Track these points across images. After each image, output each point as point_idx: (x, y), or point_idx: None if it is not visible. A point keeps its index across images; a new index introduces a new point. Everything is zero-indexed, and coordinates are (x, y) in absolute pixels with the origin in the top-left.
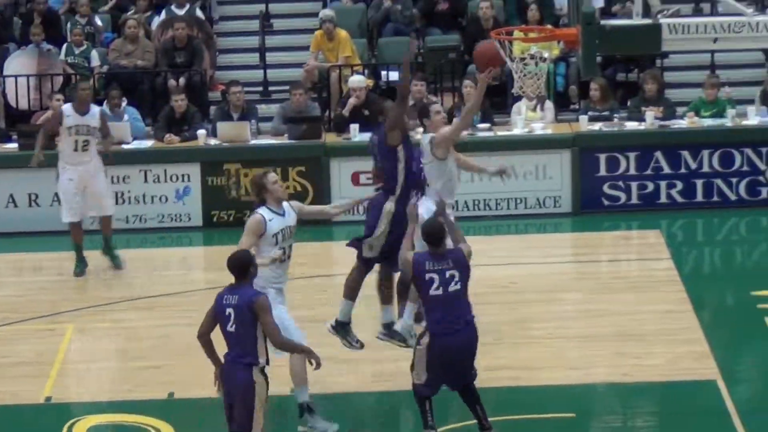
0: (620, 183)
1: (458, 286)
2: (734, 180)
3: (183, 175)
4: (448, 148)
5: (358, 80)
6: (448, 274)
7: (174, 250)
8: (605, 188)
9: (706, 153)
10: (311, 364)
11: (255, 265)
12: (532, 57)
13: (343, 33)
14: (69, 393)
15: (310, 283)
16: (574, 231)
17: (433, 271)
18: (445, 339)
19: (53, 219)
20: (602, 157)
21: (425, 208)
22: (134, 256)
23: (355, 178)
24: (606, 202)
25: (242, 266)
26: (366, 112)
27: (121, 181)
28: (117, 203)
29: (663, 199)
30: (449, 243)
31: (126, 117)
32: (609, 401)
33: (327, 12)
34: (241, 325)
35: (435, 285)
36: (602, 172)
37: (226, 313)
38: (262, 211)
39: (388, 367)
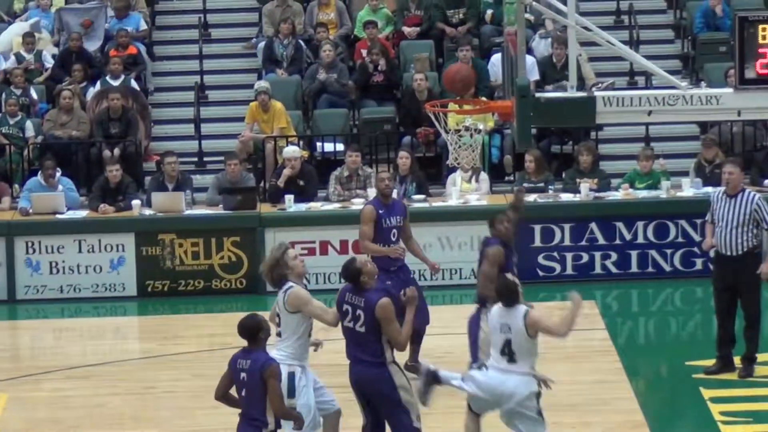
0: (555, 254)
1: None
2: (669, 251)
3: (117, 245)
4: None
5: (292, 151)
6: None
7: (108, 320)
8: (540, 259)
9: (641, 224)
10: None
11: (265, 329)
12: (467, 129)
13: (278, 105)
14: None
15: None
16: None
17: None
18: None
19: None
20: (537, 228)
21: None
22: (69, 326)
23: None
24: (541, 273)
25: (252, 331)
26: (301, 183)
27: (56, 251)
28: (51, 273)
29: (598, 269)
30: None
31: (60, 187)
32: None
33: (262, 84)
34: (252, 389)
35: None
36: (537, 242)
37: (241, 378)
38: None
39: None
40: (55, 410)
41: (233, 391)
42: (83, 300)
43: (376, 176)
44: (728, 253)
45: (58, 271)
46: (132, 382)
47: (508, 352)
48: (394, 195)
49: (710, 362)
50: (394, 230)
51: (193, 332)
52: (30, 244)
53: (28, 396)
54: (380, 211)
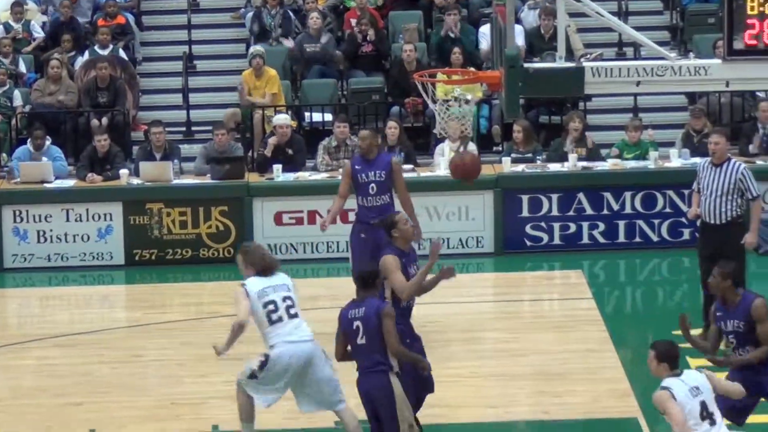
0: (543, 224)
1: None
2: (656, 221)
3: (105, 214)
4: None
5: (282, 118)
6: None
7: (96, 289)
8: (528, 229)
9: (628, 194)
10: (423, 370)
11: (381, 276)
12: (456, 99)
13: (271, 71)
14: None
15: None
16: (496, 271)
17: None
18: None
19: None
20: (525, 198)
21: None
22: (56, 294)
23: (278, 218)
24: (528, 243)
25: (369, 277)
26: (290, 151)
27: (43, 220)
28: (39, 241)
29: (585, 239)
30: None
31: (45, 158)
32: None
33: (258, 48)
34: (372, 334)
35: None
36: (525, 213)
37: (354, 327)
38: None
39: None
40: (41, 378)
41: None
42: (71, 269)
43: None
44: (713, 222)
45: (45, 239)
46: (119, 351)
47: None
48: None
49: (697, 332)
50: (373, 185)
51: (180, 301)
52: (18, 213)
53: (15, 364)
54: (356, 167)
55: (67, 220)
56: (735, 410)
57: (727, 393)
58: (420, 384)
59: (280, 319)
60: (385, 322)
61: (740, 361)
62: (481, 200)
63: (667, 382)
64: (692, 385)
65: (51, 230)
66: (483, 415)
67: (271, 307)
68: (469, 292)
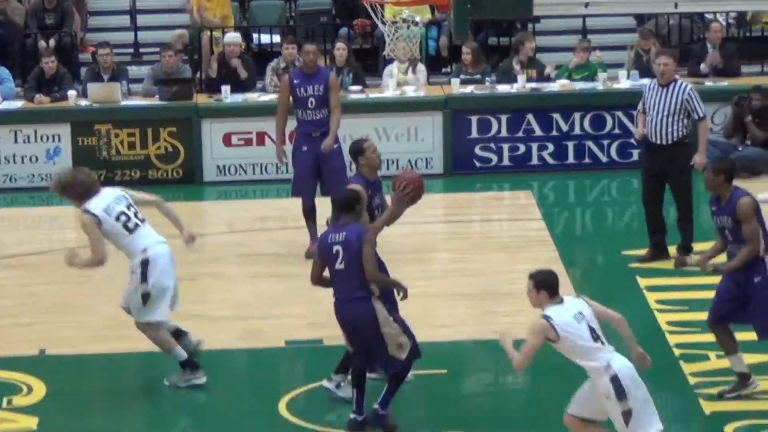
0: (492, 145)
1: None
2: (605, 142)
3: (53, 136)
4: None
5: (233, 37)
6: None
7: (44, 210)
8: (477, 150)
9: (577, 116)
10: (399, 294)
11: (362, 201)
12: (405, 21)
13: None
14: None
15: None
16: (446, 192)
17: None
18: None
19: None
20: (474, 119)
21: None
22: (4, 215)
23: (226, 140)
24: (478, 164)
25: (351, 202)
26: (242, 76)
27: None
28: None
29: (534, 161)
30: None
31: None
32: (479, 358)
33: None
34: (353, 259)
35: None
36: (474, 134)
37: (334, 252)
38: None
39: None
40: None
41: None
42: (19, 190)
43: None
44: (658, 142)
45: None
46: (68, 271)
47: None
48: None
49: (643, 251)
50: (312, 99)
51: None
52: None
53: None
54: (295, 81)
55: (16, 141)
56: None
57: (607, 318)
58: None
59: (136, 225)
60: (365, 248)
61: (728, 268)
62: (430, 121)
63: (550, 310)
64: (575, 311)
65: None
66: (434, 335)
67: (123, 218)
68: (419, 213)
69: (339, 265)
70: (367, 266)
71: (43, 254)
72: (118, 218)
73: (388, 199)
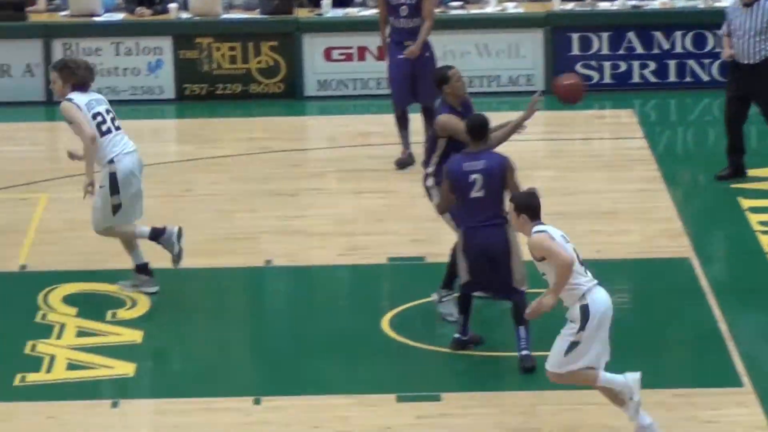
0: (593, 62)
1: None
2: (707, 61)
3: (155, 48)
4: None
5: None
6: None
7: (146, 123)
8: (578, 67)
9: (678, 34)
10: None
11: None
12: None
13: None
14: (44, 261)
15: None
16: (547, 110)
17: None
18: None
19: (25, 89)
20: (575, 36)
21: None
22: None
23: (327, 54)
24: None
25: (484, 128)
26: None
27: (93, 53)
28: None
29: (636, 79)
30: None
31: None
32: None
33: None
34: (493, 186)
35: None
36: (575, 51)
37: (470, 180)
38: None
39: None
40: None
41: None
42: (121, 102)
43: None
44: (745, 62)
45: (96, 73)
46: (171, 185)
47: None
48: None
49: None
50: (404, 6)
51: (231, 136)
52: (67, 46)
53: (68, 197)
54: None
55: (117, 53)
56: None
57: None
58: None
59: (109, 131)
60: (510, 175)
61: None
62: (531, 38)
63: (540, 227)
64: (562, 233)
65: (101, 64)
66: None
67: (99, 119)
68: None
69: (476, 193)
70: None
71: (146, 167)
72: (94, 117)
73: None
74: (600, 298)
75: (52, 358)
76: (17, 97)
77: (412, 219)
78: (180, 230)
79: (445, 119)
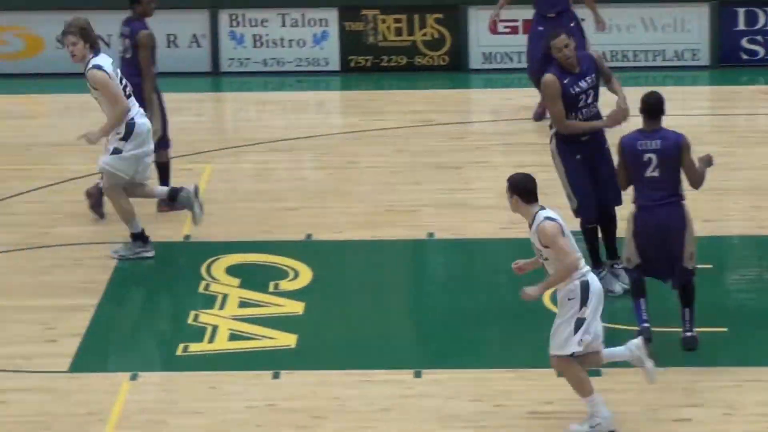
0: (759, 38)
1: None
2: None
3: (321, 20)
4: None
5: None
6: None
7: (311, 94)
8: (744, 42)
9: None
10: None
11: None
12: None
13: None
14: (207, 232)
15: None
16: (711, 84)
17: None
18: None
19: (191, 60)
20: (741, 11)
21: None
22: (272, 99)
23: (492, 27)
24: (744, 56)
25: (660, 107)
26: None
27: (259, 24)
28: (255, 46)
29: None
30: None
31: None
32: (745, 253)
33: None
34: (669, 165)
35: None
36: (741, 26)
37: (645, 159)
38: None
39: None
40: (258, 182)
41: None
42: (286, 74)
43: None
44: None
45: (261, 44)
46: (335, 157)
47: None
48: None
49: None
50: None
51: (395, 108)
52: (234, 17)
53: (232, 167)
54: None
55: (283, 24)
56: None
57: None
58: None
59: (129, 95)
60: (686, 153)
61: None
62: (697, 12)
63: (546, 212)
64: (560, 218)
65: (267, 35)
66: (699, 229)
67: (123, 83)
68: (685, 105)
69: (651, 173)
70: (691, 176)
71: (310, 139)
72: (120, 81)
73: None
74: (595, 280)
75: (215, 328)
76: (183, 68)
77: None
78: (196, 188)
79: (544, 80)
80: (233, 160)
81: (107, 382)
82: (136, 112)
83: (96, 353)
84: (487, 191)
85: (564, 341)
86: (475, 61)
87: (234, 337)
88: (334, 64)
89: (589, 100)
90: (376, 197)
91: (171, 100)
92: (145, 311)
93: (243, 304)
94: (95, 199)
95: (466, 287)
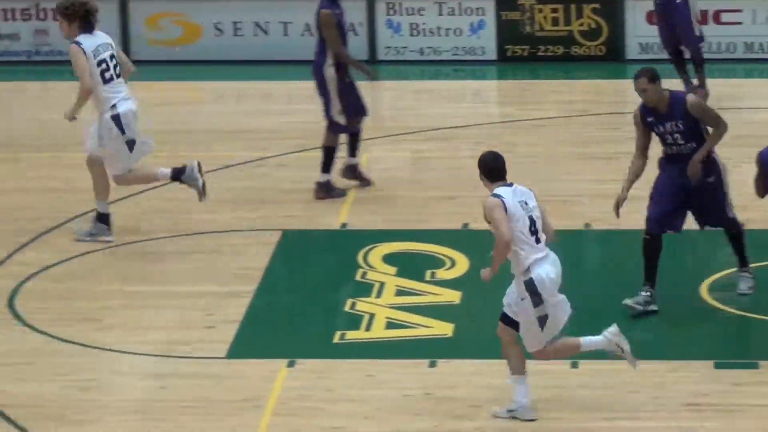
0: None
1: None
2: None
3: (478, 9)
4: None
5: None
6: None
7: (468, 83)
8: None
9: None
10: None
11: None
12: None
13: None
14: (364, 220)
15: None
16: None
17: None
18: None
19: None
20: None
21: None
22: (429, 88)
23: (649, 17)
24: None
25: None
26: None
27: (416, 13)
28: (411, 35)
29: None
30: None
31: None
32: None
33: None
34: None
35: None
36: None
37: None
38: None
39: None
40: (414, 171)
41: None
42: (443, 63)
43: None
44: None
45: (418, 33)
46: (491, 146)
47: None
48: None
49: None
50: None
51: (552, 98)
52: (390, 6)
53: (389, 156)
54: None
55: (440, 14)
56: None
57: (544, 222)
58: None
59: (111, 78)
60: None
61: None
62: None
63: (499, 190)
64: (521, 199)
65: (424, 23)
66: None
67: (103, 66)
68: None
69: None
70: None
71: (467, 128)
72: (99, 64)
73: None
74: (543, 268)
75: (372, 316)
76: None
77: (734, 184)
78: (199, 164)
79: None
80: (390, 148)
81: (264, 369)
82: (119, 99)
83: (253, 340)
84: (641, 182)
85: (536, 340)
86: (632, 51)
87: (391, 325)
88: (491, 54)
89: (680, 141)
90: (531, 187)
91: (304, 87)
92: (302, 299)
93: (400, 292)
94: (353, 173)
95: (624, 278)
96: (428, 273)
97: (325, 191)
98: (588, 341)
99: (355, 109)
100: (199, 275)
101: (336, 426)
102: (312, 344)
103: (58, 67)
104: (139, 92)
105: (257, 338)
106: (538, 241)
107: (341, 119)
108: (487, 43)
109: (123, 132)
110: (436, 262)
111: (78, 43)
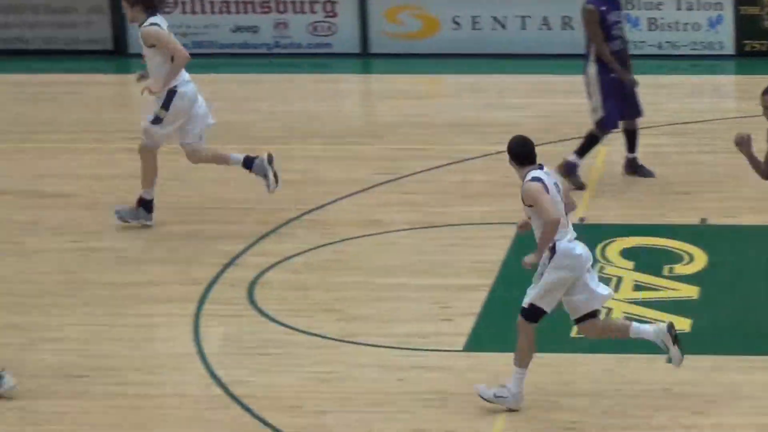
0: None
1: None
2: None
3: (716, 4)
4: None
5: None
6: None
7: (706, 78)
8: None
9: None
10: None
11: None
12: None
13: None
14: (602, 215)
15: None
16: None
17: None
18: None
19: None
20: None
21: None
22: (666, 82)
23: None
24: None
25: None
26: None
27: (654, 8)
28: (650, 29)
29: None
30: None
31: None
32: None
33: None
34: None
35: None
36: None
37: None
38: None
39: None
40: (652, 165)
41: None
42: (681, 57)
43: None
44: None
45: (656, 27)
46: (728, 141)
47: None
48: None
49: None
50: None
51: None
52: (629, 0)
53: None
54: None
55: (678, 8)
56: None
57: (567, 200)
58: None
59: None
60: None
61: None
62: None
63: (535, 173)
64: (554, 180)
65: (662, 18)
66: None
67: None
68: None
69: None
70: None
71: (705, 123)
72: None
73: None
74: (564, 243)
75: (609, 310)
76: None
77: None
78: (270, 156)
79: None
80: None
81: (502, 362)
82: (181, 80)
83: (491, 332)
84: None
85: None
86: None
87: (628, 320)
88: (729, 48)
89: None
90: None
91: (540, 81)
92: None
93: (637, 287)
94: (634, 167)
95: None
96: (666, 268)
97: (566, 172)
98: (637, 328)
99: (620, 110)
100: (438, 267)
101: (572, 420)
102: (549, 338)
103: (296, 60)
104: (374, 85)
105: (495, 331)
106: (567, 222)
107: (603, 118)
108: (725, 37)
109: (165, 107)
110: (674, 257)
111: (155, 24)
